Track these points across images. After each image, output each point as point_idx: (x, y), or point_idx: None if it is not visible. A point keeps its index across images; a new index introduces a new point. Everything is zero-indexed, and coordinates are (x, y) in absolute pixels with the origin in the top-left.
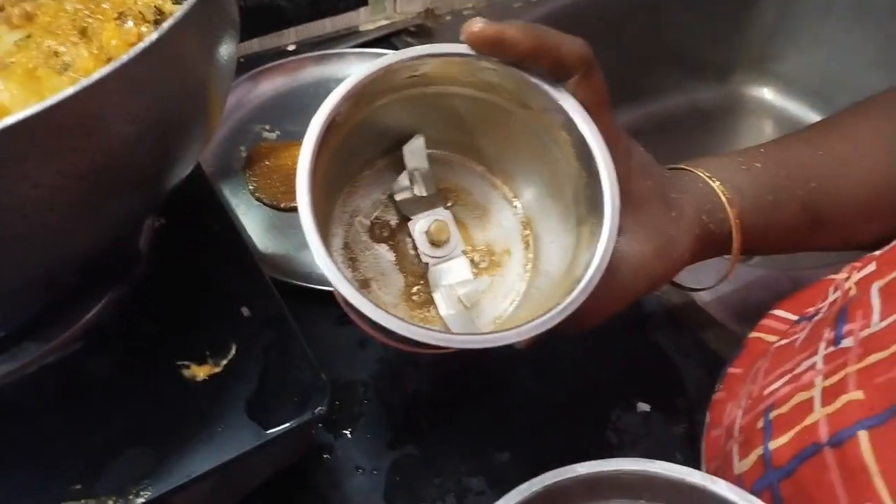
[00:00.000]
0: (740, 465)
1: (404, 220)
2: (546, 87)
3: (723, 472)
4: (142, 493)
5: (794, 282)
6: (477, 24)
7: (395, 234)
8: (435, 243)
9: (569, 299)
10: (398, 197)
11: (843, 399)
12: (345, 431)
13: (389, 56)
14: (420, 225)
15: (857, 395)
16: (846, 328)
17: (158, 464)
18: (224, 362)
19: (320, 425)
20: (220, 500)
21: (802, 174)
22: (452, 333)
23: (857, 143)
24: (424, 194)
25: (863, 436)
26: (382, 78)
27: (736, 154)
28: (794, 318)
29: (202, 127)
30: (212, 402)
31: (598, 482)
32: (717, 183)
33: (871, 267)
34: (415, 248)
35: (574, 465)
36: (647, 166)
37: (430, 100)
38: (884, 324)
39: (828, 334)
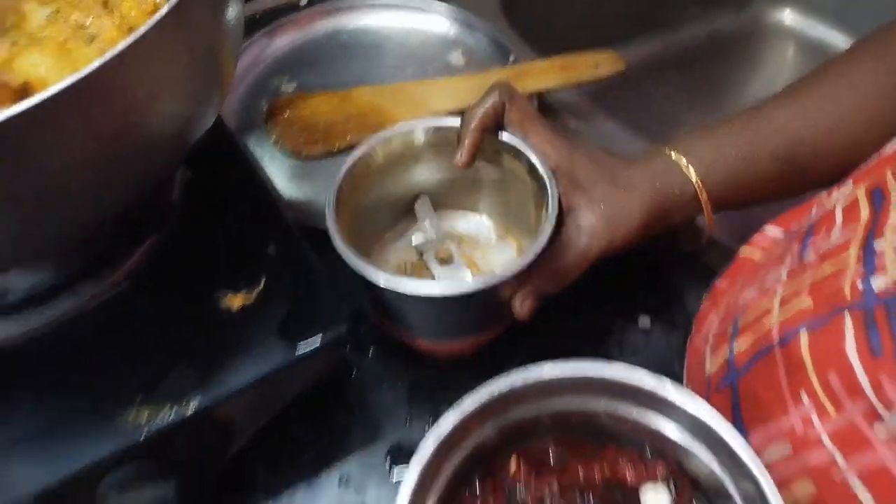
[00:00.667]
0: (710, 367)
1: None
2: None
3: (697, 374)
4: (191, 402)
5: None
6: (461, 161)
7: (415, 270)
8: (444, 261)
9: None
10: (415, 241)
11: (795, 306)
12: (367, 353)
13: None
14: (430, 254)
15: (807, 302)
16: (810, 241)
17: (204, 379)
18: (255, 293)
19: (346, 347)
20: (260, 411)
21: (771, 128)
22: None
23: (831, 90)
24: (434, 237)
25: (803, 335)
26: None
27: (703, 127)
28: (781, 234)
29: (218, 83)
30: (247, 328)
31: (561, 384)
32: (674, 153)
33: (848, 185)
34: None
35: (540, 367)
36: (593, 155)
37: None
38: (841, 239)
39: (795, 248)
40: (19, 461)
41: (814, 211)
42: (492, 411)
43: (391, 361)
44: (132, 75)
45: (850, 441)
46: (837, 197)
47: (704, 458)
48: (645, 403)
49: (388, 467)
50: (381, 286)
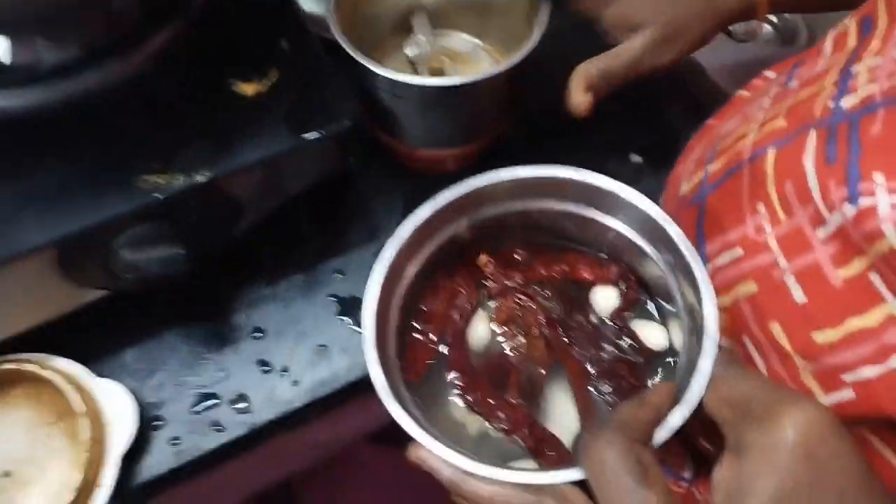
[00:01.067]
0: (685, 188)
1: None
2: None
3: (672, 195)
4: (203, 173)
5: None
6: None
7: None
8: (435, 72)
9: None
10: (410, 53)
11: (770, 126)
12: (370, 167)
13: None
14: (423, 66)
15: (780, 123)
16: (796, 71)
17: (216, 154)
18: (269, 83)
19: (352, 159)
20: (266, 195)
21: None
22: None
23: None
24: (428, 50)
25: (771, 151)
26: None
27: None
28: (775, 76)
29: None
30: (258, 113)
31: (530, 184)
32: None
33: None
34: None
35: (514, 169)
36: None
37: None
38: (824, 67)
39: (782, 79)
40: (47, 211)
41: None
42: (466, 205)
43: (390, 176)
44: None
45: (795, 243)
46: (824, 38)
47: (653, 256)
48: (604, 207)
49: None
50: (377, 73)
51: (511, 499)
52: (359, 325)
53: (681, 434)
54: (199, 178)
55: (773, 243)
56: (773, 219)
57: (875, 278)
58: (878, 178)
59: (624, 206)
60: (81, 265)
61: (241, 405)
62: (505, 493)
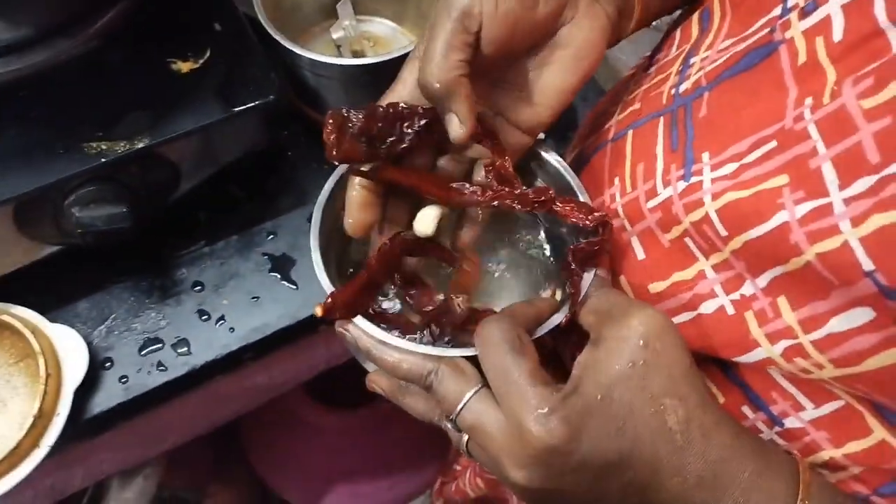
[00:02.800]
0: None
1: None
2: None
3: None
4: (142, 139)
5: None
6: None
7: None
8: (357, 54)
9: None
10: (334, 35)
11: (629, 109)
12: (300, 140)
13: None
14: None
15: (637, 106)
16: (656, 57)
17: (155, 123)
18: (202, 61)
19: (285, 133)
20: (204, 162)
21: None
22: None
23: None
24: (352, 34)
25: (630, 133)
26: None
27: None
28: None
29: None
30: (193, 88)
31: None
32: None
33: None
34: None
35: None
36: None
37: None
38: (674, 54)
39: (645, 64)
40: (2, 173)
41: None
42: None
43: (319, 149)
44: None
45: (633, 212)
46: (675, 27)
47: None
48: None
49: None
50: (300, 54)
51: (413, 365)
52: (288, 280)
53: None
54: (139, 143)
55: (620, 211)
56: (622, 189)
57: (689, 242)
58: (705, 157)
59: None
60: (35, 222)
61: (182, 349)
62: (410, 359)
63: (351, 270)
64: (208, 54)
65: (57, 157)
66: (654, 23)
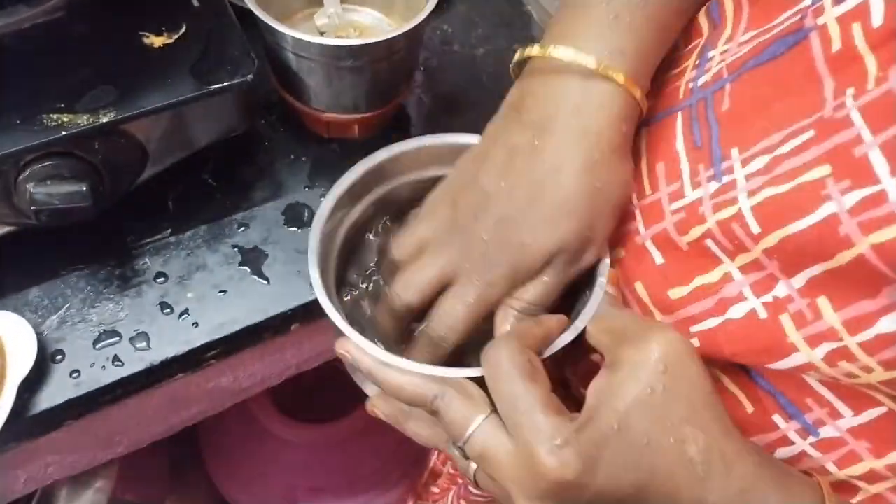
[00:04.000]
0: None
1: None
2: None
3: None
4: (107, 114)
5: None
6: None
7: None
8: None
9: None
10: (318, 22)
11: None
12: (279, 129)
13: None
14: (331, 35)
15: (651, 101)
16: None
17: (121, 98)
18: (176, 36)
19: (263, 121)
20: (174, 145)
21: None
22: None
23: None
24: (337, 22)
25: (643, 130)
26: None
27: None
28: None
29: None
30: (165, 64)
31: (429, 153)
32: (591, 58)
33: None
34: None
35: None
36: None
37: None
38: (686, 48)
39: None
40: None
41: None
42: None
43: (298, 139)
44: None
45: (651, 214)
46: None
47: None
48: None
49: (283, 222)
50: (281, 32)
51: (418, 388)
52: (259, 275)
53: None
54: (104, 118)
55: (637, 212)
56: (640, 191)
57: (711, 244)
58: (734, 152)
59: None
60: None
61: (141, 344)
62: (415, 381)
63: (348, 296)
64: (183, 30)
65: (12, 127)
66: None
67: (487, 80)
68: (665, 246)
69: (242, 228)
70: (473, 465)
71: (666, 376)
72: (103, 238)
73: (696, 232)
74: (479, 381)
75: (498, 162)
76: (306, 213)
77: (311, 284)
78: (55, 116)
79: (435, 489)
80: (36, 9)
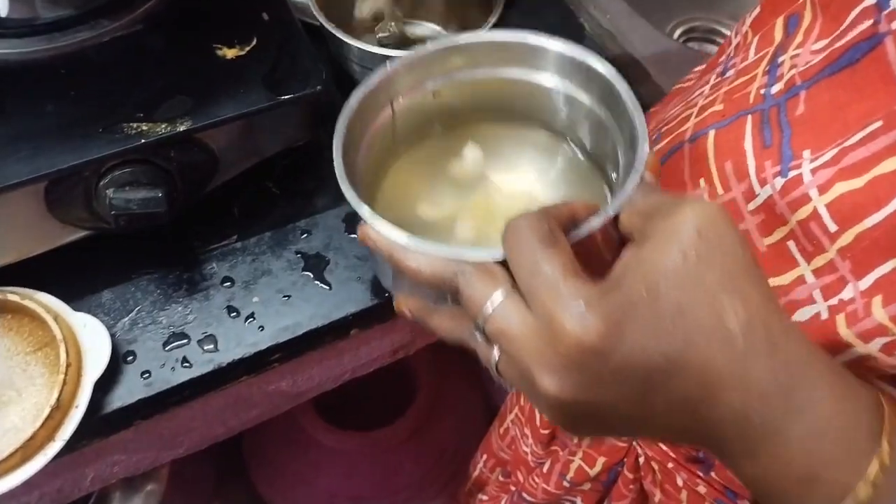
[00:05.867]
0: None
1: None
2: None
3: None
4: (184, 123)
5: None
6: None
7: None
8: None
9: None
10: (380, 35)
11: (709, 110)
12: None
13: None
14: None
15: (719, 107)
16: (731, 62)
17: (197, 108)
18: (248, 48)
19: (324, 130)
20: (243, 153)
21: None
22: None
23: None
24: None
25: (711, 132)
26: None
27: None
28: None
29: None
30: (237, 75)
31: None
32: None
33: (757, 10)
34: None
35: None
36: None
37: None
38: (755, 57)
39: (719, 68)
40: (38, 150)
41: (734, 37)
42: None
43: None
44: None
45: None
46: (752, 33)
47: (583, 99)
48: (529, 62)
49: (343, 229)
50: (349, 44)
51: (437, 268)
52: (321, 280)
53: None
54: (181, 126)
55: None
56: (711, 192)
57: (791, 246)
58: (806, 154)
59: (548, 53)
60: (67, 203)
61: (208, 346)
62: (435, 263)
63: None
64: (255, 42)
65: (94, 135)
66: (688, 43)
67: None
68: None
69: (305, 235)
70: (496, 353)
71: (699, 242)
72: (172, 243)
73: (780, 233)
74: (502, 264)
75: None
76: None
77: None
78: (135, 125)
79: (483, 497)
80: (117, 23)
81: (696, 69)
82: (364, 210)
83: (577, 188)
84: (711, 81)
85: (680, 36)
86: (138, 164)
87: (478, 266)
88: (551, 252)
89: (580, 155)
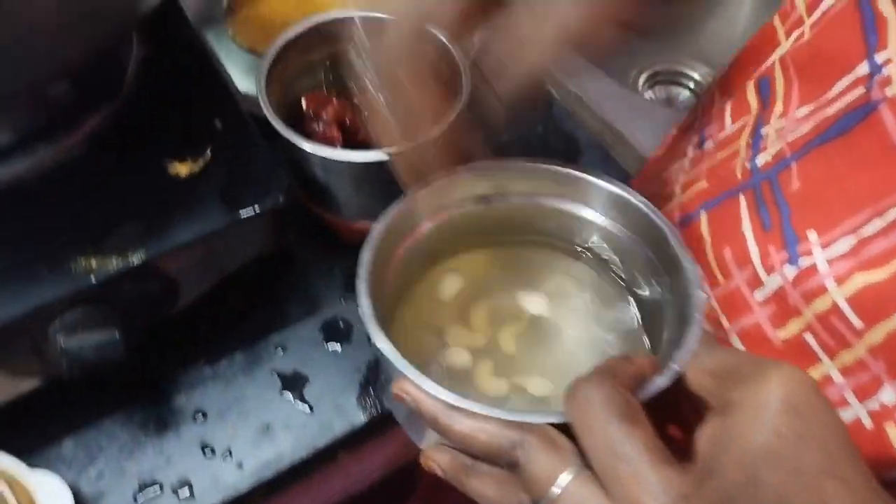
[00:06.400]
0: None
1: None
2: None
3: None
4: (137, 253)
5: None
6: None
7: None
8: None
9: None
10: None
11: (694, 189)
12: (310, 239)
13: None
14: None
15: (703, 185)
16: (707, 131)
17: (150, 234)
18: (201, 162)
19: (291, 236)
20: (204, 273)
21: None
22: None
23: None
24: None
25: (703, 215)
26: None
27: None
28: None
29: None
30: (192, 193)
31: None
32: None
33: (724, 70)
34: None
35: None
36: None
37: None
38: (734, 129)
39: (695, 139)
40: None
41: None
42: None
43: (329, 249)
44: None
45: (734, 304)
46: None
47: (619, 232)
48: (576, 196)
49: (321, 340)
50: (308, 150)
51: (494, 436)
52: (301, 400)
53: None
54: (134, 259)
55: (714, 304)
56: (711, 281)
57: (810, 339)
58: (812, 235)
59: (587, 185)
60: (14, 354)
61: (183, 492)
62: (489, 428)
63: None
64: (209, 154)
65: (40, 279)
66: (671, 100)
67: None
68: (756, 342)
69: (280, 350)
70: None
71: (794, 418)
72: (135, 378)
73: (795, 325)
74: (564, 429)
75: None
76: (345, 328)
77: (370, 340)
78: (83, 261)
79: None
80: (56, 147)
81: (669, 134)
82: (404, 365)
83: (605, 311)
84: (690, 154)
85: (645, 82)
86: (90, 304)
87: (540, 435)
88: (633, 431)
89: (605, 277)
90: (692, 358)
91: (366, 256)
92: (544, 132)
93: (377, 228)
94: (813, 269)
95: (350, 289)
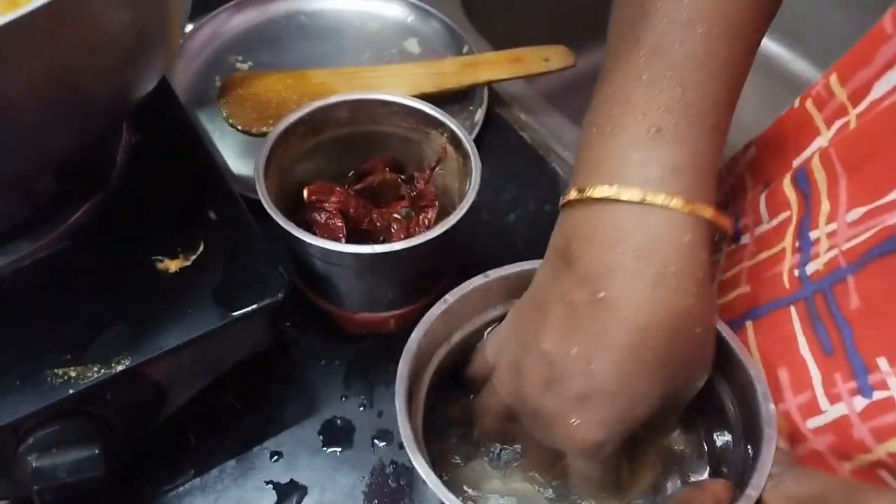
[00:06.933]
0: None
1: None
2: None
3: None
4: (121, 362)
5: None
6: None
7: None
8: None
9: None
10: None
11: (735, 293)
12: (306, 330)
13: None
14: None
15: (745, 289)
16: (743, 223)
17: (136, 339)
18: (193, 257)
19: (282, 317)
20: (194, 377)
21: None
22: None
23: None
24: None
25: (749, 328)
26: None
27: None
28: None
29: (161, 44)
30: (183, 291)
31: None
32: (637, 190)
33: (752, 151)
34: None
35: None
36: None
37: None
38: (774, 223)
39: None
40: None
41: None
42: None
43: (329, 341)
44: (73, 18)
45: (782, 430)
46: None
47: None
48: None
49: (321, 444)
50: (308, 242)
51: None
52: None
53: None
54: (118, 367)
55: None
56: None
57: (886, 476)
58: (883, 364)
59: None
60: None
61: None
62: None
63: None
64: (202, 248)
65: (10, 390)
66: None
67: (522, 247)
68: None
69: (275, 458)
70: None
71: None
72: (119, 493)
73: (863, 460)
74: None
75: (558, 323)
76: (346, 430)
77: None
78: (61, 372)
79: None
80: (37, 243)
81: None
82: (445, 492)
83: None
84: (724, 248)
85: None
86: (67, 419)
87: None
88: None
89: None
90: (769, 481)
91: (403, 369)
92: None
93: (415, 337)
94: (889, 402)
95: (350, 384)
